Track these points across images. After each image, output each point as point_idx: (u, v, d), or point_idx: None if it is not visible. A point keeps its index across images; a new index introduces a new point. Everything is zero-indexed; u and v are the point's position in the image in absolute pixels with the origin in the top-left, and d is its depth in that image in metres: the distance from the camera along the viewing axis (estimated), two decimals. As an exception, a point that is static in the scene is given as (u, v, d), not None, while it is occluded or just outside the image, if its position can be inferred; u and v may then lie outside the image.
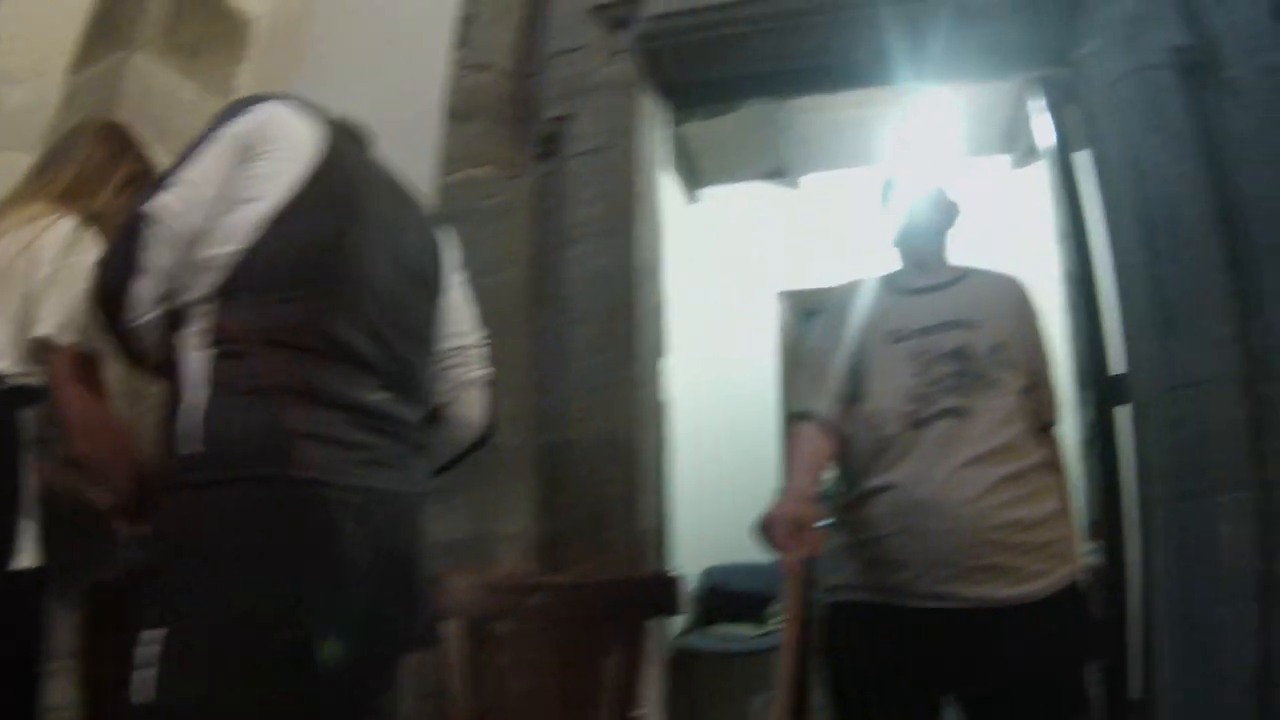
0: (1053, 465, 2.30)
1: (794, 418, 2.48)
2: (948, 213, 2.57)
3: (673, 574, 2.44)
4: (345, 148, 1.79)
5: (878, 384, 2.34)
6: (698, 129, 5.85)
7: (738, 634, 5.29)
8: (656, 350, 3.14)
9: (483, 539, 2.80)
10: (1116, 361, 2.87)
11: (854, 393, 2.38)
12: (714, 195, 6.64)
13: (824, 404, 2.39)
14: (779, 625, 2.64)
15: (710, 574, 5.65)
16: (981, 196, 5.79)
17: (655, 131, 3.35)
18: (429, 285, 1.90)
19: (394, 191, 1.90)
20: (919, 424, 2.24)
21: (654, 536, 2.95)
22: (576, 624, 2.27)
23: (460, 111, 3.24)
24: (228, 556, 1.44)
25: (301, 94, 2.78)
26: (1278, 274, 2.41)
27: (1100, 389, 2.84)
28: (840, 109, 5.51)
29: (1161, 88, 2.64)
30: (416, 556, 1.73)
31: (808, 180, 6.43)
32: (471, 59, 3.30)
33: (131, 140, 2.45)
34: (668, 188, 3.45)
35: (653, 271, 3.16)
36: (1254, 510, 2.29)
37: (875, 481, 2.28)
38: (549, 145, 3.18)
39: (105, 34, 3.30)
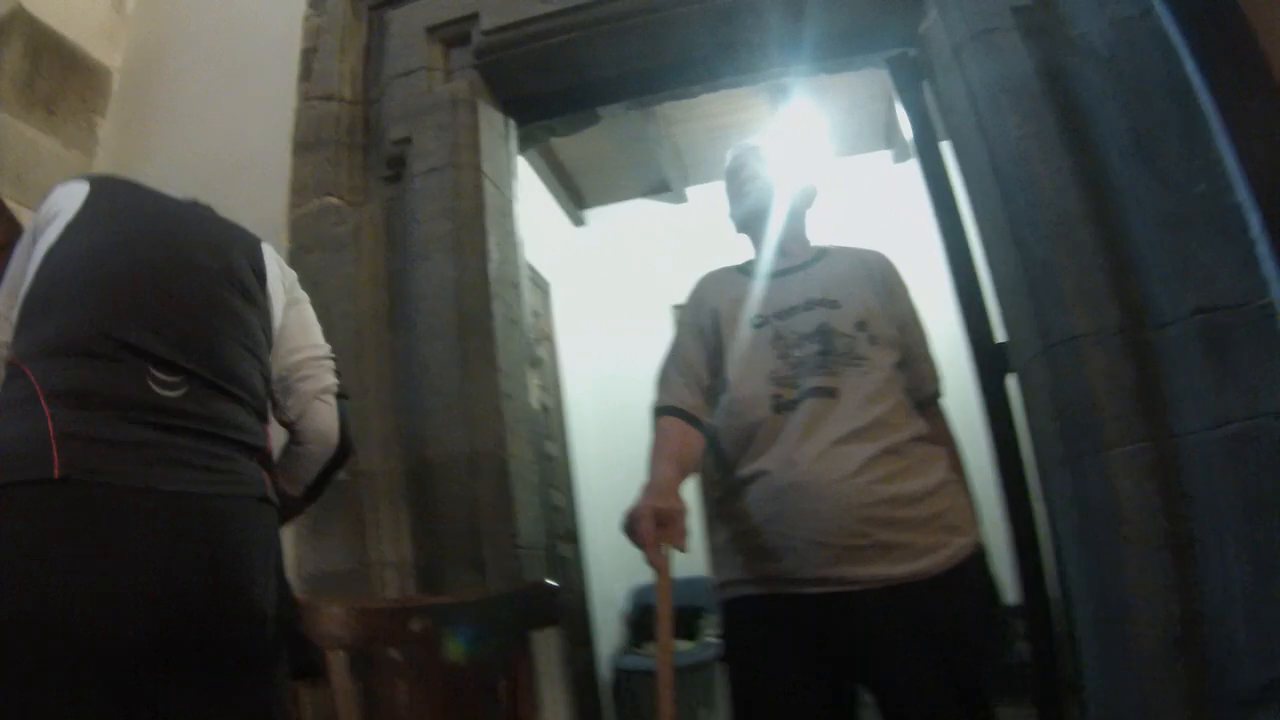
0: (935, 438, 1.89)
1: (656, 413, 1.98)
2: (802, 194, 2.10)
3: (549, 584, 1.98)
4: (115, 189, 1.62)
5: (740, 371, 1.92)
6: (573, 150, 5.37)
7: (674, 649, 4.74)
8: (523, 361, 2.55)
9: (362, 568, 2.25)
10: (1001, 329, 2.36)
11: (719, 383, 1.97)
12: (601, 215, 6.15)
13: (685, 397, 1.97)
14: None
15: (639, 593, 5.16)
16: (865, 193, 5.56)
17: (503, 146, 2.76)
18: (239, 288, 1.60)
19: (187, 215, 1.68)
20: (786, 407, 1.83)
21: (541, 552, 2.38)
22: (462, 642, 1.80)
23: (306, 143, 2.63)
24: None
25: (159, 138, 2.25)
26: (1146, 221, 1.87)
27: (987, 357, 2.29)
28: (714, 117, 5.01)
29: (1006, 50, 2.13)
30: (232, 561, 1.39)
31: (694, 192, 5.91)
32: (315, 90, 2.69)
33: None
34: (523, 201, 2.87)
35: (510, 283, 2.57)
36: (1152, 462, 1.75)
37: (745, 470, 1.85)
38: (394, 168, 2.58)
39: None
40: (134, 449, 1.33)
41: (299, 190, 2.59)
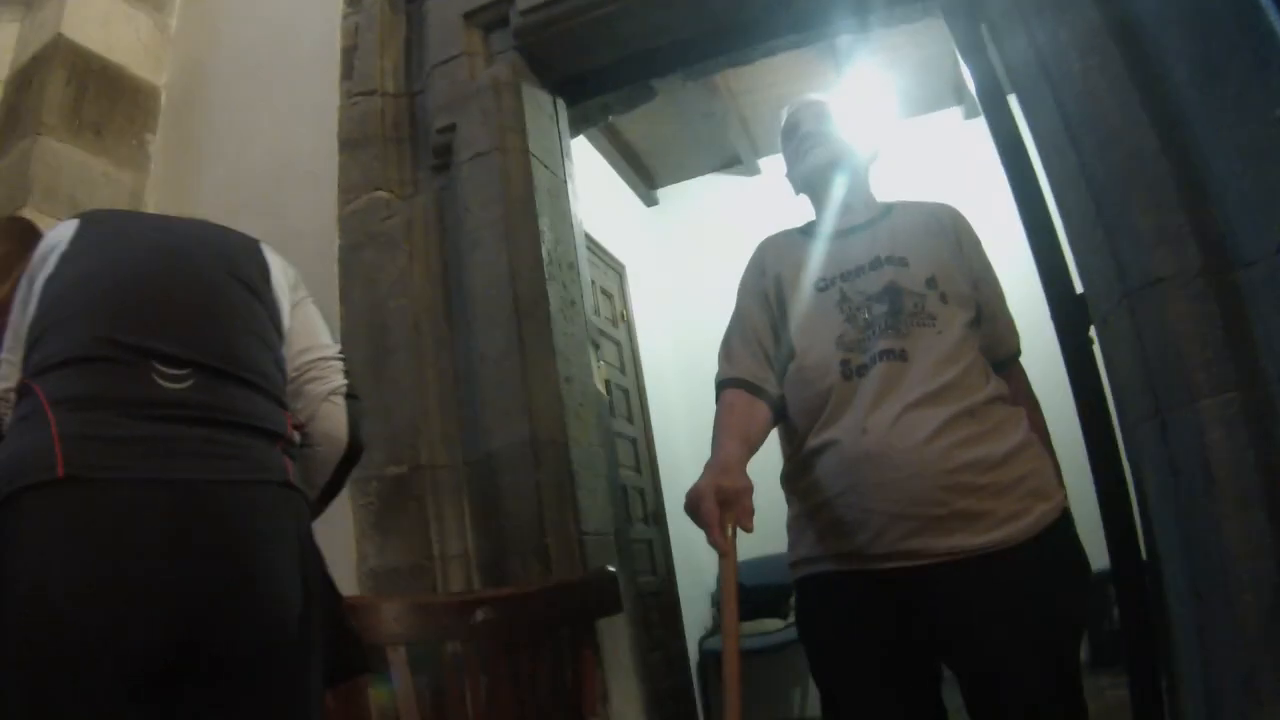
0: (1015, 399, 1.76)
1: (720, 386, 1.87)
2: (864, 148, 1.97)
3: (610, 572, 1.91)
4: (105, 218, 1.66)
5: (807, 337, 1.79)
6: (640, 130, 5.30)
7: (764, 629, 4.66)
8: (585, 343, 2.49)
9: (425, 563, 2.23)
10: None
11: (786, 352, 1.83)
12: (673, 194, 6.05)
13: (750, 367, 1.84)
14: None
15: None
16: (936, 152, 5.34)
17: (553, 127, 2.69)
18: (243, 283, 1.59)
19: (182, 227, 1.68)
20: (856, 373, 1.70)
21: (611, 538, 2.32)
22: (524, 637, 1.81)
23: (351, 139, 2.62)
24: (14, 567, 1.21)
25: (209, 150, 2.26)
26: (1222, 153, 1.69)
27: (1067, 311, 2.11)
28: (778, 85, 4.86)
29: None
30: (246, 549, 1.34)
31: (766, 163, 5.77)
32: (357, 87, 2.67)
33: (34, 233, 2.06)
34: (579, 180, 2.80)
35: (566, 264, 2.51)
36: (1243, 411, 1.58)
37: (815, 441, 1.72)
38: (441, 157, 2.54)
39: (13, 125, 2.82)
40: (139, 443, 1.30)
41: (347, 188, 2.58)
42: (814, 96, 2.06)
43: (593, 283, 4.70)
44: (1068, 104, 1.93)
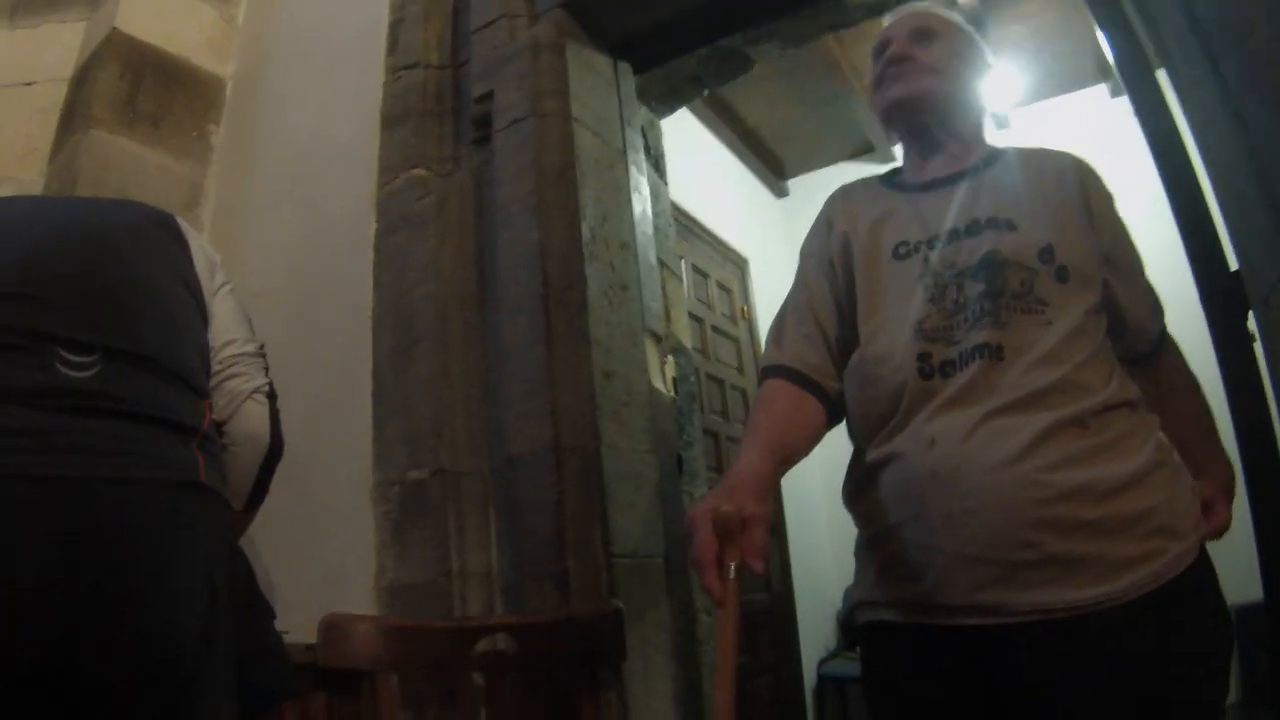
0: (1158, 397, 1.29)
1: (762, 375, 1.43)
2: (967, 74, 1.46)
3: (613, 609, 1.59)
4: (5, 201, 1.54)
5: (877, 318, 1.33)
6: (764, 117, 4.94)
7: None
8: (639, 334, 2.09)
9: (444, 580, 1.90)
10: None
11: (852, 335, 1.37)
12: (804, 185, 5.58)
13: (803, 352, 1.39)
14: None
15: (850, 593, 4.52)
16: (1080, 133, 4.76)
17: (610, 92, 2.32)
18: (161, 264, 1.47)
19: (86, 210, 1.54)
20: (939, 371, 1.24)
21: (656, 560, 1.92)
22: (524, 675, 1.61)
23: (393, 117, 2.32)
24: None
25: (265, 138, 2.19)
26: None
27: (1219, 292, 1.54)
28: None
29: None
30: (130, 553, 1.17)
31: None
32: (401, 61, 2.38)
33: None
34: (652, 151, 2.45)
35: (618, 244, 2.12)
36: None
37: (876, 453, 1.28)
38: (482, 129, 2.21)
39: (69, 122, 2.69)
40: (31, 436, 1.16)
41: (386, 168, 2.29)
42: (921, 5, 1.54)
43: (700, 275, 4.32)
44: (1204, 17, 1.40)
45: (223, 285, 1.57)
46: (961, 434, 1.17)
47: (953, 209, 1.35)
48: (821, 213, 1.54)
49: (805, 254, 1.51)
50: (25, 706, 1.10)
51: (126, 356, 1.29)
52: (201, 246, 1.57)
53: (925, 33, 1.46)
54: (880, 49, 1.50)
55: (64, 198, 1.68)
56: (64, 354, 1.24)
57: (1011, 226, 1.28)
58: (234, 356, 1.52)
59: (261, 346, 1.60)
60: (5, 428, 1.15)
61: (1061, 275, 1.25)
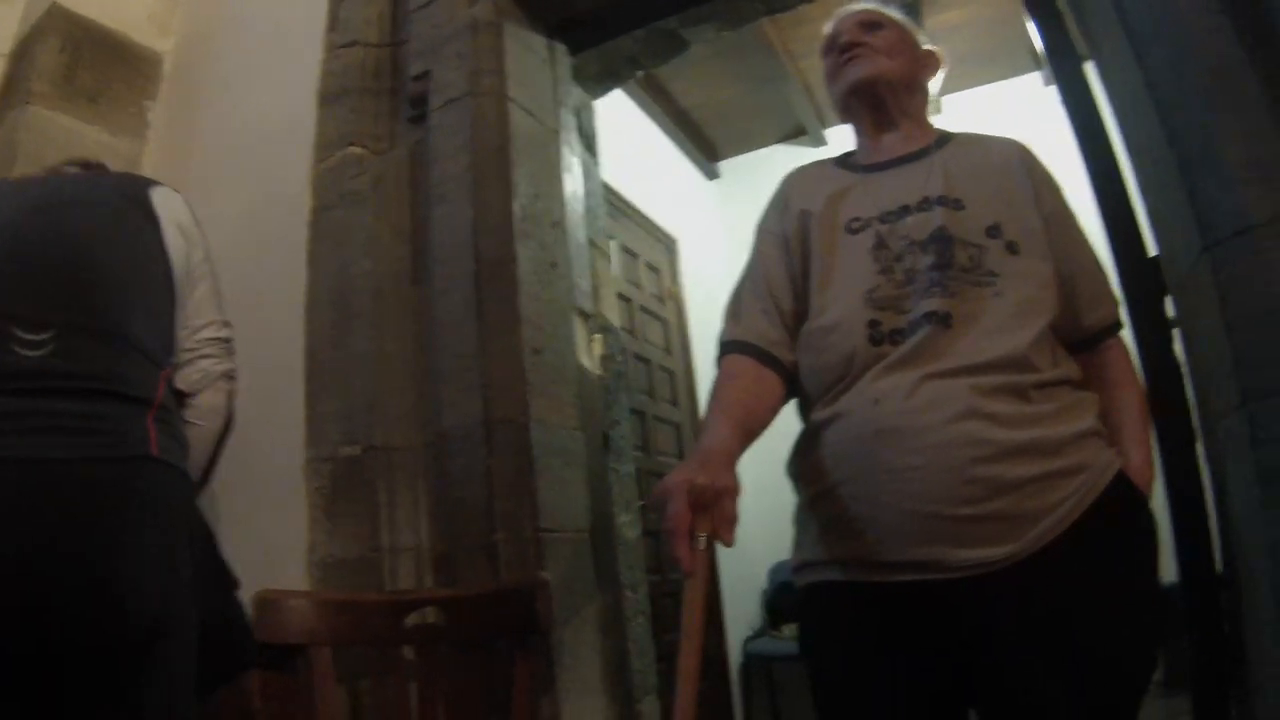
0: (1092, 384, 1.31)
1: (721, 350, 1.44)
2: (914, 58, 1.52)
3: (539, 580, 1.59)
4: None
5: (832, 290, 1.35)
6: (698, 98, 4.89)
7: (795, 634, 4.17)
8: (567, 311, 2.07)
9: (375, 555, 1.85)
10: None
11: (805, 307, 1.39)
12: (735, 166, 5.53)
13: (761, 327, 1.40)
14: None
15: (776, 571, 4.50)
16: (1012, 116, 4.77)
17: (546, 72, 2.27)
18: (122, 239, 1.44)
19: (50, 186, 1.54)
20: (888, 338, 1.26)
21: (583, 535, 1.89)
22: (458, 647, 1.59)
23: (330, 94, 2.25)
24: None
25: (205, 114, 2.32)
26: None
27: (1136, 276, 1.55)
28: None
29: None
30: (91, 534, 1.17)
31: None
32: (340, 39, 2.31)
33: None
34: (579, 130, 2.41)
35: (549, 223, 2.09)
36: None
37: (822, 412, 1.30)
38: (418, 108, 2.16)
39: (8, 97, 2.58)
40: None
41: (323, 145, 2.23)
42: (865, 4, 1.58)
43: (630, 255, 4.27)
44: (1132, 9, 1.41)
45: (201, 262, 1.59)
46: (905, 392, 1.19)
47: (905, 187, 1.38)
48: (777, 192, 1.56)
49: (761, 230, 1.53)
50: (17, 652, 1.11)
51: (81, 329, 1.28)
52: (179, 222, 1.56)
53: (872, 22, 1.52)
54: (831, 43, 1.55)
55: (44, 178, 1.63)
56: (17, 332, 1.23)
57: (959, 205, 1.32)
58: (210, 340, 1.56)
59: (231, 332, 1.63)
60: None
61: (1013, 248, 1.29)
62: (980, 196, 1.33)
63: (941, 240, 1.28)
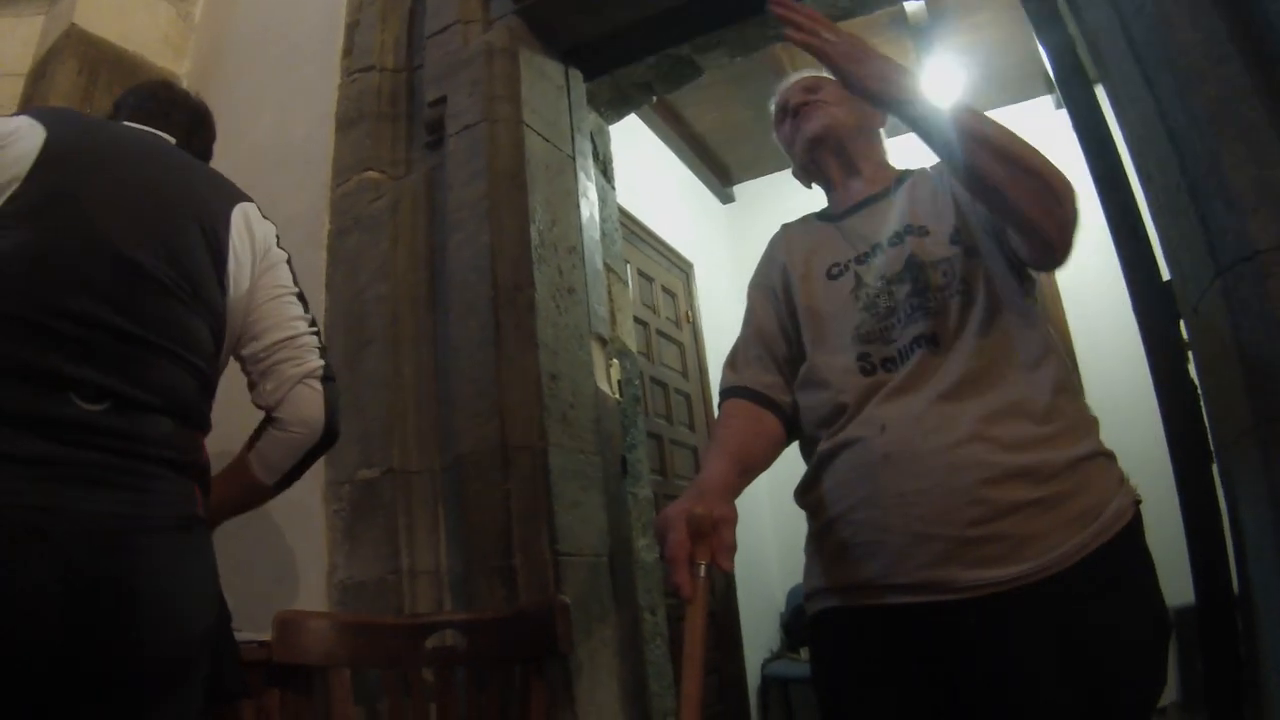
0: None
1: (722, 397, 1.49)
2: (859, 106, 1.53)
3: (559, 603, 1.59)
4: (70, 147, 1.30)
5: (820, 332, 1.40)
6: (711, 122, 4.89)
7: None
8: (584, 336, 2.08)
9: (394, 577, 1.87)
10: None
11: (799, 353, 1.44)
12: (749, 191, 5.57)
13: (756, 373, 1.46)
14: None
15: (793, 594, 4.50)
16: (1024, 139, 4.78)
17: (561, 98, 2.29)
18: (177, 278, 1.31)
19: (138, 190, 1.34)
20: (882, 366, 1.30)
21: (601, 559, 1.90)
22: (476, 669, 1.63)
23: (347, 119, 2.29)
24: None
25: (222, 137, 2.00)
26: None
27: (1150, 302, 1.57)
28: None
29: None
30: (137, 585, 1.14)
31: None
32: (356, 64, 2.34)
33: None
34: (596, 156, 2.43)
35: (566, 248, 2.11)
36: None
37: (829, 443, 1.31)
38: (434, 133, 2.18)
39: None
40: (38, 465, 1.10)
41: (340, 170, 2.26)
42: (804, 72, 1.64)
43: (646, 279, 4.29)
44: (1139, 38, 1.45)
45: (274, 264, 1.48)
46: (912, 417, 1.21)
47: (875, 226, 1.42)
48: (766, 250, 1.62)
49: (752, 286, 1.60)
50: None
51: (136, 405, 1.22)
52: (250, 229, 1.46)
53: (813, 86, 1.58)
54: (781, 113, 1.63)
55: (134, 147, 1.45)
56: (70, 390, 1.16)
57: (924, 232, 1.36)
58: (283, 341, 1.43)
59: (312, 325, 1.49)
60: (13, 456, 1.09)
61: (971, 252, 1.31)
62: (941, 215, 1.37)
63: (914, 267, 1.32)
